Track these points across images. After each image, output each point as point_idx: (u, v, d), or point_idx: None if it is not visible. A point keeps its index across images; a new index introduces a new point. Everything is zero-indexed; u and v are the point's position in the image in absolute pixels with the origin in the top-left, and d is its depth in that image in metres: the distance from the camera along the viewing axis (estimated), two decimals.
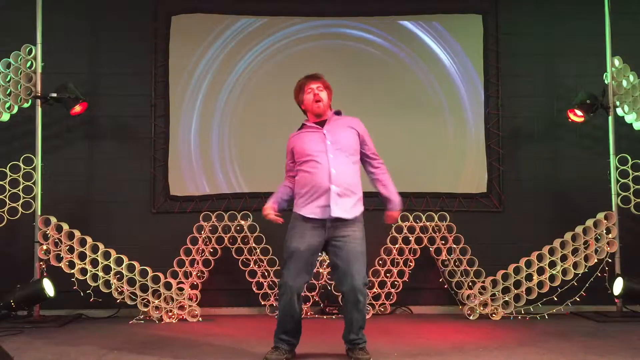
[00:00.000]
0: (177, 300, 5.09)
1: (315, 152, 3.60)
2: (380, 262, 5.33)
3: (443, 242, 5.32)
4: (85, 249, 5.08)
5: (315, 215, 3.55)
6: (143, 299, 5.10)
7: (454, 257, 5.28)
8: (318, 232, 3.57)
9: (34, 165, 5.14)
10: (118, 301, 5.12)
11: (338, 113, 3.83)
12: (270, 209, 3.70)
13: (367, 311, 3.79)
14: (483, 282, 5.19)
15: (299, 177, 3.67)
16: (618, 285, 5.00)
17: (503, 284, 5.14)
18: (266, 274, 5.27)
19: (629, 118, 5.32)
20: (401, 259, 5.32)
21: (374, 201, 5.52)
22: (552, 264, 5.17)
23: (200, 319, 5.09)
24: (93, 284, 5.07)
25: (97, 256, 5.08)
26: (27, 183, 5.14)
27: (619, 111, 5.35)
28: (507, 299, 5.14)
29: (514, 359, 3.66)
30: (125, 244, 5.31)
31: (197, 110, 5.65)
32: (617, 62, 5.29)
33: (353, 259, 3.55)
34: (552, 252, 5.19)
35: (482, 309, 5.14)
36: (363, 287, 3.57)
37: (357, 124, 3.78)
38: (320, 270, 5.26)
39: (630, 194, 5.25)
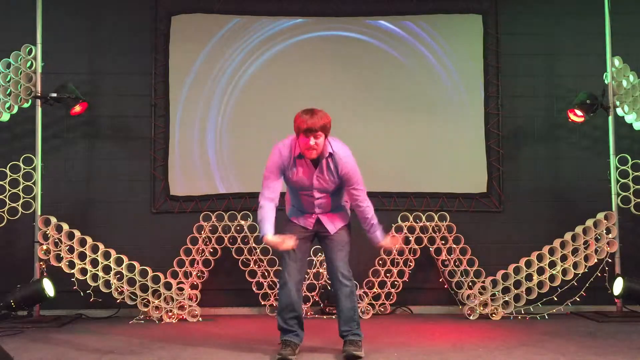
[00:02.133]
0: (177, 300, 5.09)
1: (305, 189, 3.74)
2: (380, 262, 5.32)
3: (443, 242, 5.32)
4: (85, 249, 5.08)
5: (306, 226, 3.82)
6: (143, 299, 5.10)
7: (454, 257, 5.28)
8: (309, 230, 3.84)
9: (34, 165, 5.14)
10: (118, 301, 5.12)
11: (331, 155, 3.65)
12: (277, 237, 3.57)
13: (360, 309, 3.84)
14: (483, 282, 5.19)
15: (290, 193, 3.89)
16: (618, 285, 5.00)
17: (503, 284, 5.14)
18: (266, 274, 5.27)
19: (629, 118, 5.32)
20: (401, 259, 5.32)
21: (374, 201, 5.53)
22: (552, 264, 5.17)
23: (200, 319, 5.09)
24: (93, 284, 5.07)
25: (97, 256, 5.08)
26: (27, 183, 5.14)
27: (619, 111, 5.35)
28: (507, 299, 5.13)
29: (514, 359, 3.66)
30: (125, 244, 5.31)
31: (197, 110, 5.65)
32: (617, 62, 5.29)
33: (337, 248, 3.77)
34: (552, 252, 5.19)
35: (482, 309, 5.14)
36: (346, 271, 3.76)
37: (342, 168, 3.66)
38: (320, 271, 5.26)
39: (630, 194, 5.25)
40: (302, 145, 3.57)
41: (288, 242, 3.52)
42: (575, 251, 5.18)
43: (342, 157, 3.65)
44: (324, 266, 5.23)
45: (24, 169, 5.15)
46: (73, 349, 3.96)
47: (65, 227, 5.10)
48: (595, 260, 5.14)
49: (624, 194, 5.25)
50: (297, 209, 3.86)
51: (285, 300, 3.70)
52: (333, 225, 3.82)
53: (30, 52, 5.19)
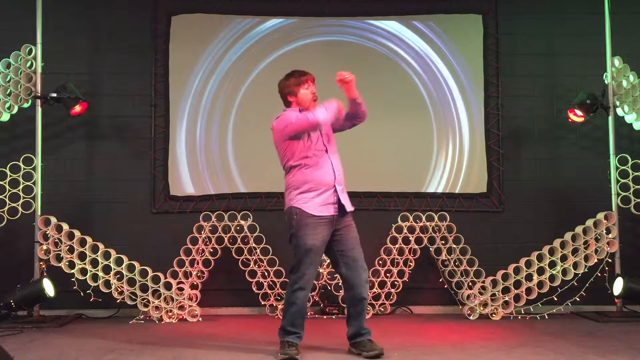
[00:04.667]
0: (177, 300, 5.08)
1: (317, 151, 3.74)
2: (380, 262, 5.32)
3: (443, 242, 5.32)
4: (85, 249, 5.08)
5: (327, 212, 3.68)
6: (143, 299, 5.10)
7: (454, 257, 5.28)
8: (328, 227, 3.71)
9: (34, 165, 5.13)
10: (118, 301, 5.12)
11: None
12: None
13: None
14: (483, 282, 5.19)
15: (298, 172, 3.72)
16: (618, 285, 5.00)
17: (503, 284, 5.14)
18: (266, 274, 5.27)
19: (629, 118, 5.32)
20: (401, 259, 5.31)
21: (374, 201, 5.56)
22: (552, 264, 5.17)
23: (200, 319, 5.09)
24: (93, 284, 5.07)
25: (97, 256, 5.08)
26: (27, 183, 5.14)
27: (619, 111, 5.35)
28: (507, 299, 5.13)
29: (514, 359, 3.66)
30: (125, 244, 5.31)
31: (197, 110, 5.65)
32: (617, 62, 5.29)
33: (357, 244, 3.78)
34: (552, 252, 5.19)
35: (482, 309, 5.13)
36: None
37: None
38: (320, 270, 5.25)
39: (630, 194, 5.25)
40: (305, 96, 3.78)
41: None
42: (575, 251, 5.18)
43: None
44: (324, 266, 5.23)
45: (24, 169, 5.15)
46: (73, 349, 3.96)
47: (65, 227, 5.10)
48: (595, 260, 5.14)
49: (624, 194, 5.25)
50: (314, 187, 3.67)
51: (301, 305, 3.69)
52: (348, 200, 3.79)
53: (30, 52, 5.19)
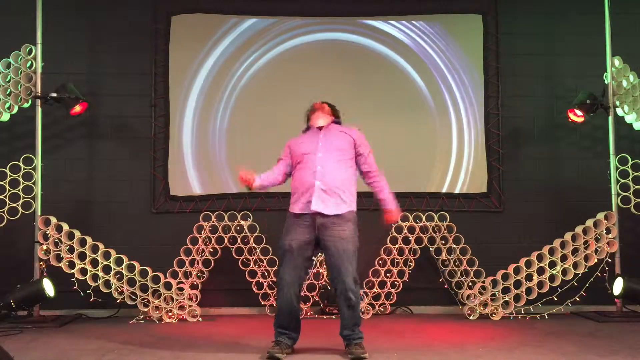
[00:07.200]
0: (177, 300, 5.09)
1: (307, 152, 3.82)
2: (380, 262, 5.33)
3: (443, 242, 5.32)
4: (85, 249, 5.08)
5: (302, 210, 3.72)
6: (143, 299, 5.10)
7: (454, 257, 5.28)
8: (308, 229, 3.71)
9: (34, 165, 5.13)
10: (118, 301, 5.12)
11: (338, 123, 4.02)
12: (249, 174, 3.83)
13: (360, 309, 3.86)
14: (483, 282, 5.19)
15: (293, 178, 3.90)
16: (618, 285, 5.00)
17: (503, 284, 5.14)
18: (266, 274, 5.27)
19: (629, 118, 5.32)
20: (401, 259, 5.32)
21: (374, 201, 5.55)
22: (552, 264, 5.17)
23: (200, 319, 5.09)
24: (93, 284, 5.07)
25: (97, 256, 5.08)
26: (27, 183, 5.14)
27: (619, 111, 5.35)
28: (507, 299, 5.13)
29: (514, 359, 3.66)
30: (125, 244, 5.31)
31: (197, 110, 5.65)
32: (617, 62, 5.29)
33: (342, 258, 3.66)
34: (552, 252, 5.19)
35: (482, 309, 5.14)
36: (353, 285, 3.67)
37: (353, 131, 3.93)
38: (320, 271, 5.25)
39: (630, 194, 5.25)
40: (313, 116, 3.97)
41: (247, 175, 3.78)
42: (575, 251, 5.18)
43: (350, 128, 3.95)
44: (324, 266, 5.24)
45: (24, 169, 5.15)
46: (73, 349, 3.96)
47: (65, 227, 5.10)
48: (595, 260, 5.14)
49: (624, 194, 5.25)
50: (298, 188, 3.75)
51: (282, 304, 3.70)
52: (328, 207, 3.65)
53: (30, 52, 5.19)
